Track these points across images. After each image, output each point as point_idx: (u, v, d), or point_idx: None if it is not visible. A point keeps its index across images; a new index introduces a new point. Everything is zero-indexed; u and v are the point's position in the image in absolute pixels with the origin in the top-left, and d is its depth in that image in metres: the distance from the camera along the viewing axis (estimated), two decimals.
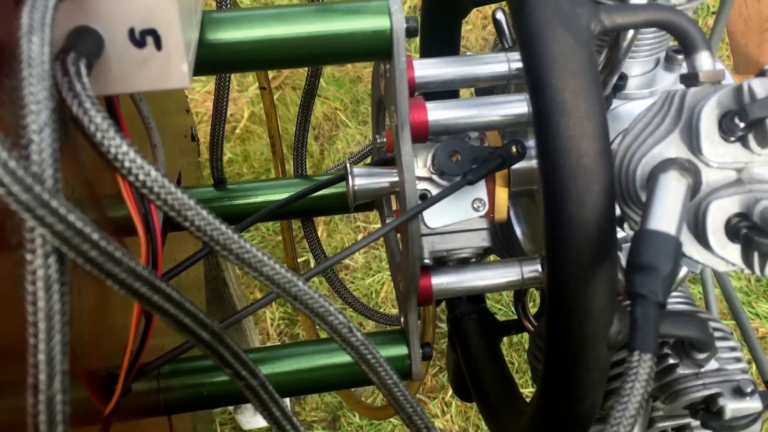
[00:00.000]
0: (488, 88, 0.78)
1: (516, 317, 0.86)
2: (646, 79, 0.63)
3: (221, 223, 0.37)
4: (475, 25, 2.42)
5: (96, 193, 0.52)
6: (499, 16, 0.78)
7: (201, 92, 2.34)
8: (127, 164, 0.35)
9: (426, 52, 0.89)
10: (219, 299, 1.63)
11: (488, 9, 0.99)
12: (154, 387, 0.68)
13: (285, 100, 2.37)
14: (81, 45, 0.39)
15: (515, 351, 1.87)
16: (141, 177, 0.35)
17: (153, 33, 0.42)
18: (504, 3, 0.81)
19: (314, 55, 0.59)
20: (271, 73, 2.52)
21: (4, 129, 0.36)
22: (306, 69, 0.92)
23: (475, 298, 0.90)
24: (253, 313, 1.61)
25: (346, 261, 2.26)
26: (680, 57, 0.61)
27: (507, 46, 0.76)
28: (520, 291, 0.87)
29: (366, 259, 2.29)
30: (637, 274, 0.43)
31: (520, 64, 0.64)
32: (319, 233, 2.28)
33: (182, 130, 1.01)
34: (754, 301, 2.07)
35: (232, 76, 2.60)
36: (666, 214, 0.44)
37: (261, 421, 1.84)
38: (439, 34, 0.88)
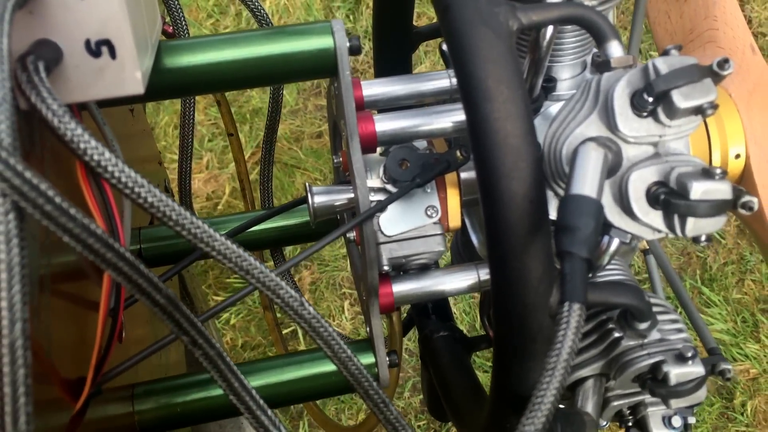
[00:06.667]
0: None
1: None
2: (575, 82, 0.68)
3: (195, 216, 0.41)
4: None
5: None
6: (446, 48, 0.84)
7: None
8: (82, 146, 0.39)
9: None
10: None
11: None
12: (128, 410, 0.69)
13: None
14: (40, 52, 0.43)
15: None
16: (96, 157, 0.39)
17: (107, 43, 0.46)
18: None
19: (266, 75, 0.63)
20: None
21: None
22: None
23: (444, 315, 0.93)
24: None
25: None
26: None
27: None
28: (485, 303, 0.90)
29: (354, 325, 2.29)
30: (562, 235, 0.47)
31: None
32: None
33: (153, 180, 1.04)
34: (742, 342, 2.08)
35: (212, 153, 2.67)
36: (586, 179, 0.48)
37: None
38: (391, 70, 0.93)
